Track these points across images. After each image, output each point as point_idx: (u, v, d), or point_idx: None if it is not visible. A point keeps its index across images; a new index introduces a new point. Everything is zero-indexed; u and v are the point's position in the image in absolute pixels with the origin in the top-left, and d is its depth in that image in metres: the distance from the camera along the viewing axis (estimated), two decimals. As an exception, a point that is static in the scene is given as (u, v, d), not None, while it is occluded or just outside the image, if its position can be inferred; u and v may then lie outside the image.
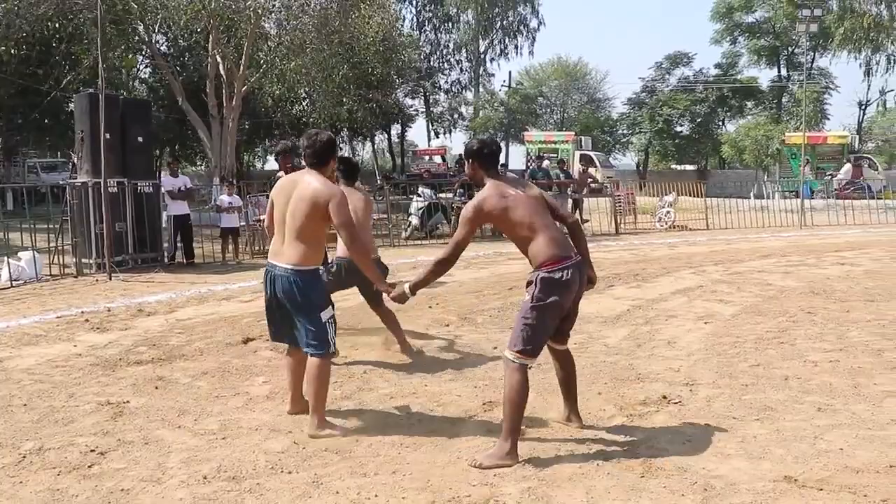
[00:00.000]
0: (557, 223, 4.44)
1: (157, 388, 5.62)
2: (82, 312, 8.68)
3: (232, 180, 16.10)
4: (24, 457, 4.23)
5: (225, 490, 3.75)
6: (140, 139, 13.02)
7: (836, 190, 27.34)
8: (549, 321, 4.18)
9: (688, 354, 6.46)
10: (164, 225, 13.76)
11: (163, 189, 13.49)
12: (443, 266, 4.37)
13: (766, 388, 5.43)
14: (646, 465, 3.97)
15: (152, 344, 7.06)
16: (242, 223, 14.78)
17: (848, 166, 31.38)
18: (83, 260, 12.20)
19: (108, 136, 12.00)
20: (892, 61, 35.71)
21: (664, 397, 5.20)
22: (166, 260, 13.32)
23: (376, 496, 3.65)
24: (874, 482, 3.76)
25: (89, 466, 4.07)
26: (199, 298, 9.77)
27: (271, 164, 55.64)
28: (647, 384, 5.54)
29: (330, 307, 4.66)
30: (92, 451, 4.29)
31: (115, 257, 11.96)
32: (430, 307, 8.74)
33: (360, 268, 4.85)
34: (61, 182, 23.90)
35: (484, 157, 4.38)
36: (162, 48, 29.67)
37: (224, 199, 14.01)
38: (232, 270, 12.73)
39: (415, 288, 4.45)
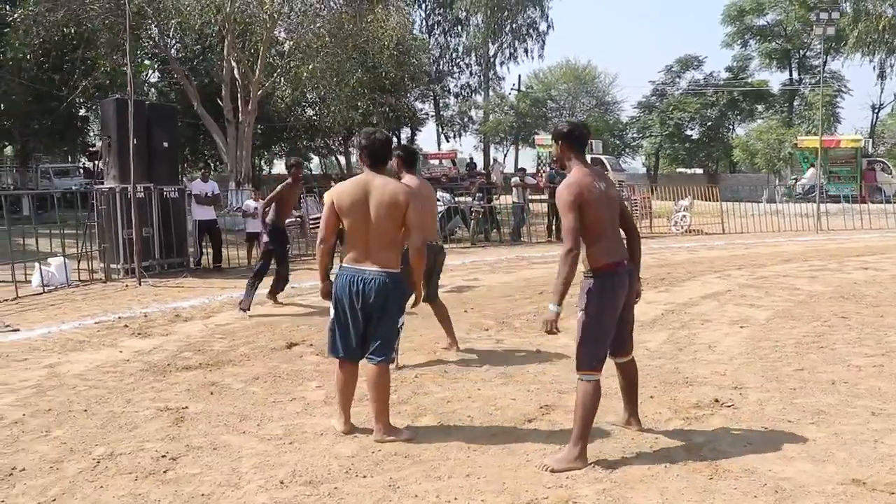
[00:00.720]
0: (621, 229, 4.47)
1: (212, 393, 5.69)
2: (119, 318, 8.77)
3: (258, 186, 16.16)
4: (98, 462, 4.29)
5: (305, 494, 3.80)
6: (165, 144, 13.15)
7: (799, 194, 27.39)
8: (607, 330, 4.25)
9: (730, 358, 6.51)
10: (189, 229, 13.87)
11: (192, 192, 13.59)
12: (573, 258, 4.11)
13: (815, 391, 5.48)
14: (713, 468, 4.03)
15: (197, 349, 7.13)
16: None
17: (812, 171, 31.51)
18: (111, 265, 12.32)
19: (135, 141, 12.10)
20: (906, 63, 35.64)
21: (716, 401, 5.25)
22: (192, 265, 13.41)
23: (455, 499, 3.71)
24: (939, 485, 3.82)
25: (164, 472, 4.14)
26: (232, 303, 9.79)
27: (278, 168, 55.80)
28: (696, 388, 5.59)
29: (405, 314, 4.69)
30: (163, 456, 4.35)
31: (143, 262, 12.07)
32: (465, 311, 8.80)
33: (414, 269, 4.74)
34: (74, 188, 24.13)
35: (573, 140, 4.35)
36: (177, 53, 29.83)
37: (250, 203, 14.09)
38: (259, 275, 12.79)
39: (560, 300, 4.19)
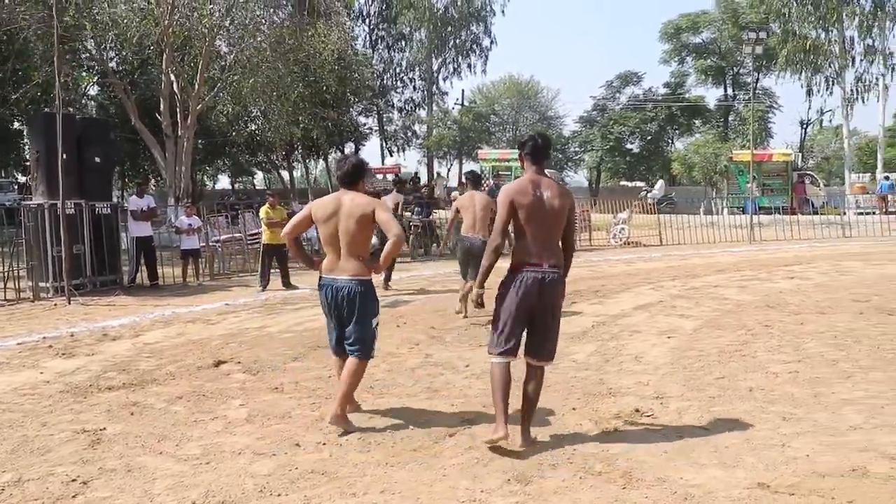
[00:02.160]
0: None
1: (132, 413, 5.58)
2: (44, 338, 8.56)
3: (189, 201, 15.95)
4: (3, 489, 4.16)
5: (216, 513, 3.77)
6: (98, 160, 12.89)
7: (651, 204, 28.21)
8: (511, 321, 4.63)
9: (655, 368, 6.63)
10: (124, 246, 13.63)
11: (129, 209, 13.35)
12: (495, 249, 4.64)
13: (732, 399, 5.61)
14: (627, 477, 4.09)
15: (122, 369, 6.99)
16: (202, 244, 14.68)
17: (661, 183, 32.46)
18: (40, 284, 12.02)
19: (64, 156, 11.84)
20: (830, 82, 36.84)
21: (637, 410, 5.34)
22: (127, 282, 13.16)
23: (368, 515, 3.71)
24: (840, 485, 3.94)
25: (74, 496, 4.03)
26: (164, 321, 9.69)
27: (222, 183, 55.27)
28: (618, 398, 5.68)
29: (378, 316, 5.24)
30: (73, 480, 4.24)
31: (73, 280, 11.80)
32: (397, 326, 8.80)
33: (388, 254, 5.24)
34: (7, 204, 23.49)
35: (526, 150, 4.77)
36: (116, 66, 29.31)
37: (184, 220, 13.90)
38: (194, 292, 12.63)
39: (480, 283, 4.79)
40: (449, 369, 6.71)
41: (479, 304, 4.87)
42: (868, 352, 7.14)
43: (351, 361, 5.09)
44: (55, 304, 11.20)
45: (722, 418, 5.14)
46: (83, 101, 36.13)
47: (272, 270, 12.71)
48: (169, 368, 6.98)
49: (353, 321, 5.06)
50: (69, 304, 11.14)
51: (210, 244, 15.12)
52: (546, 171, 4.82)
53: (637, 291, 11.58)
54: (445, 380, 6.34)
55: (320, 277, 5.19)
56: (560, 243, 4.75)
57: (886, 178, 31.93)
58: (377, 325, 5.21)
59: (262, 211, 12.76)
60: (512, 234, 4.78)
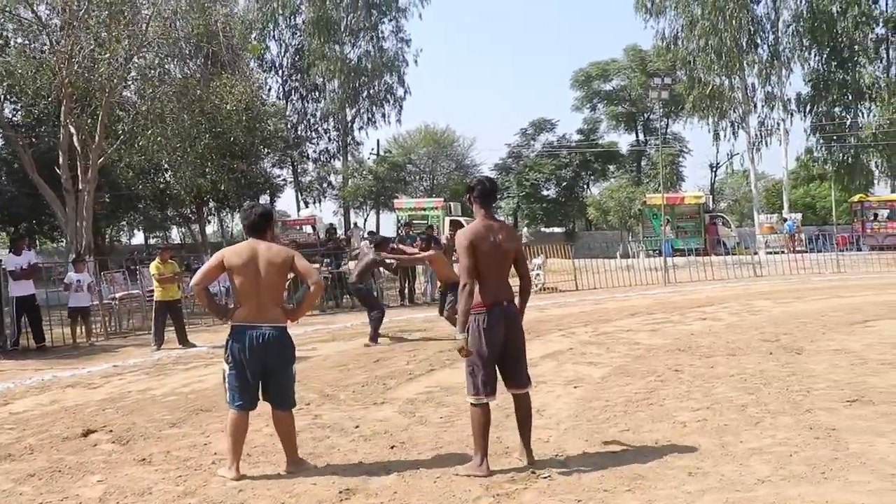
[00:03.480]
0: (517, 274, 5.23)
1: (-32, 499, 4.93)
2: None
3: (83, 257, 15.07)
4: None
5: None
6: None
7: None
8: (484, 361, 4.91)
9: (557, 423, 6.26)
10: (5, 307, 12.69)
11: (5, 268, 12.44)
12: (468, 293, 4.89)
13: (636, 454, 5.27)
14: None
15: (-26, 444, 6.28)
16: (95, 301, 13.83)
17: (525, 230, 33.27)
18: None
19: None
20: (735, 127, 38.11)
21: (533, 472, 4.94)
22: (9, 345, 12.22)
23: None
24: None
25: None
26: (40, 387, 8.94)
27: (138, 238, 53.57)
28: (514, 458, 5.26)
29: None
30: None
31: (-53, 345, 10.92)
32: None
33: (308, 300, 5.60)
34: None
35: (476, 193, 5.10)
36: (15, 118, 28.16)
37: (72, 276, 13.06)
38: (83, 354, 11.85)
39: (462, 328, 4.93)
40: (336, 431, 6.20)
41: (468, 352, 4.94)
42: (777, 394, 6.94)
43: (281, 417, 5.16)
44: (-78, 373, 10.28)
45: (624, 477, 4.78)
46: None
47: (167, 328, 11.99)
48: (30, 441, 6.30)
49: (277, 369, 5.07)
50: (-62, 371, 10.24)
51: (104, 301, 14.26)
52: (462, 218, 4.95)
53: (547, 339, 11.26)
54: (330, 444, 5.84)
55: (235, 327, 5.07)
56: (520, 278, 5.23)
57: (786, 219, 33.05)
58: (295, 372, 5.30)
59: (153, 266, 12.05)
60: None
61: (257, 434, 6.15)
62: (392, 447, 5.69)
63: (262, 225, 5.25)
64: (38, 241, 43.34)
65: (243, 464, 5.25)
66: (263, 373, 5.06)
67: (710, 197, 44.17)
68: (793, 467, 4.85)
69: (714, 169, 50.70)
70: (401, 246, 11.68)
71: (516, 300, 5.16)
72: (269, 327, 5.03)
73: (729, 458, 5.12)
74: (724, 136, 38.81)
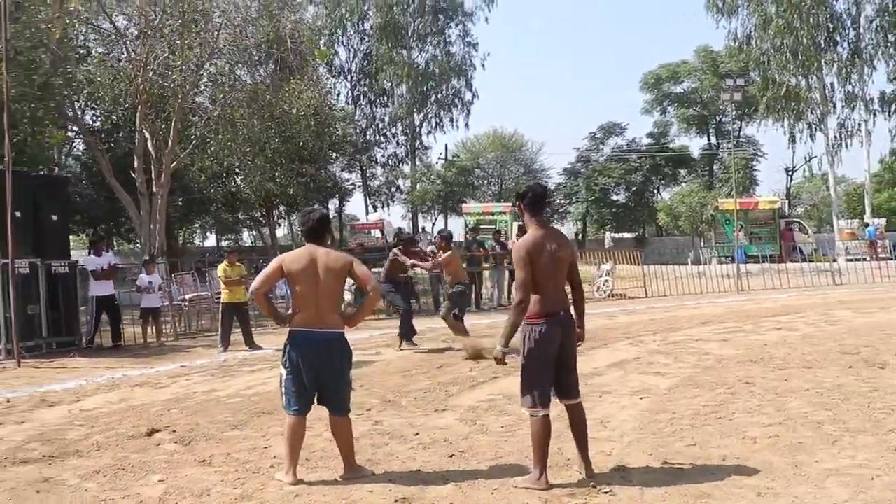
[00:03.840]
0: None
1: (38, 492, 5.05)
2: (-24, 405, 7.98)
3: (153, 259, 15.40)
4: None
5: None
6: (55, 217, 12.45)
7: None
8: (538, 372, 4.85)
9: (621, 435, 6.07)
10: (83, 307, 13.08)
11: (86, 269, 12.83)
12: (521, 309, 4.82)
13: (702, 471, 5.05)
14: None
15: (47, 439, 6.43)
16: (166, 303, 14.11)
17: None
18: (-9, 346, 11.46)
19: (17, 214, 11.39)
20: (813, 129, 36.85)
21: (593, 486, 4.78)
22: (84, 343, 12.58)
23: None
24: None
25: None
26: (110, 385, 9.14)
27: (211, 241, 54.63)
28: (575, 470, 5.10)
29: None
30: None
31: (28, 342, 11.34)
32: (353, 389, 8.21)
33: (368, 305, 5.62)
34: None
35: (526, 201, 4.99)
36: (96, 124, 29.04)
37: (143, 278, 13.35)
38: (153, 354, 12.10)
39: (506, 342, 4.94)
40: (396, 438, 6.12)
41: (503, 361, 5.00)
42: (857, 411, 6.60)
43: (337, 423, 5.15)
44: (3, 368, 10.63)
45: (688, 495, 4.57)
46: (67, 160, 35.92)
47: (234, 330, 12.16)
48: (97, 438, 6.41)
49: (333, 375, 5.07)
50: (19, 366, 10.58)
51: (175, 303, 14.55)
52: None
53: (614, 347, 11.02)
54: (389, 451, 5.76)
55: (293, 332, 5.10)
56: (572, 286, 5.14)
57: (867, 224, 31.86)
58: (352, 378, 5.37)
59: (220, 269, 12.23)
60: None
61: (317, 438, 6.13)
62: (451, 456, 5.59)
63: (320, 230, 5.29)
64: (115, 243, 44.72)
65: (301, 468, 5.22)
66: (319, 378, 5.06)
67: (786, 201, 42.89)
68: (874, 492, 4.55)
69: (790, 173, 49.36)
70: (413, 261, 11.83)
71: (571, 310, 5.07)
72: (326, 333, 5.05)
73: (802, 478, 4.86)
74: (801, 138, 37.63)
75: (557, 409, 5.09)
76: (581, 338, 5.14)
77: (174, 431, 6.57)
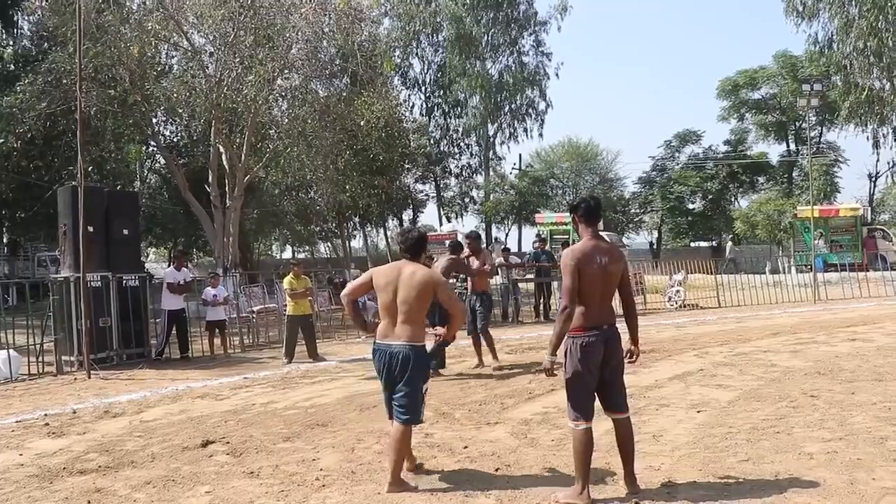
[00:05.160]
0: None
1: (89, 502, 5.19)
2: (45, 415, 8.29)
3: (216, 272, 15.77)
4: None
5: None
6: (126, 231, 12.83)
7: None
8: (581, 385, 4.84)
9: (672, 449, 5.94)
10: (156, 319, 13.46)
11: (165, 281, 13.23)
12: (566, 316, 4.81)
13: (752, 488, 4.92)
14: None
15: (105, 450, 6.62)
16: (233, 314, 14.43)
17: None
18: (64, 357, 11.91)
19: (90, 228, 11.83)
20: (898, 134, 35.53)
21: (636, 503, 4.69)
22: (155, 355, 12.94)
23: None
24: None
25: None
26: (173, 396, 9.36)
27: (287, 253, 55.57)
28: (620, 485, 5.02)
29: (428, 381, 5.49)
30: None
31: (99, 354, 11.69)
32: (423, 403, 8.25)
33: (451, 329, 5.68)
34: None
35: (579, 212, 5.01)
36: (174, 138, 30.02)
37: (209, 291, 13.67)
38: (219, 365, 12.33)
39: (553, 350, 4.91)
40: (444, 451, 6.12)
41: (552, 373, 5.04)
42: (924, 427, 6.32)
43: (396, 428, 5.23)
44: (75, 379, 11.03)
45: (734, 512, 4.46)
46: (147, 175, 37.22)
47: (299, 342, 12.34)
48: (153, 449, 6.58)
49: (403, 384, 5.21)
50: (89, 378, 10.95)
51: (242, 315, 14.87)
52: (604, 233, 4.85)
53: (679, 359, 10.80)
54: (436, 463, 5.76)
55: (375, 343, 5.40)
56: (623, 301, 5.09)
57: None
58: (426, 390, 5.43)
59: (286, 281, 12.42)
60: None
61: (366, 451, 6.19)
62: (497, 469, 5.57)
63: (416, 248, 5.56)
64: (195, 256, 46.02)
65: (347, 480, 5.28)
66: (391, 386, 5.28)
67: (869, 209, 41.34)
68: (929, 511, 4.37)
69: (874, 179, 47.60)
70: (471, 258, 11.28)
71: (619, 323, 5.00)
72: (399, 345, 5.23)
73: (857, 496, 4.68)
74: (885, 143, 36.33)
75: (608, 425, 5.02)
76: (635, 353, 5.11)
77: (228, 443, 6.70)
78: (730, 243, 35.20)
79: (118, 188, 25.10)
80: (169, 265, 15.05)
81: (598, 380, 4.87)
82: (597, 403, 4.95)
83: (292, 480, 5.47)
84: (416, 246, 5.55)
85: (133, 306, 12.59)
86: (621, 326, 4.97)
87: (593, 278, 4.82)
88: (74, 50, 12.72)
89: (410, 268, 5.36)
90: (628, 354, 5.06)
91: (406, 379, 5.21)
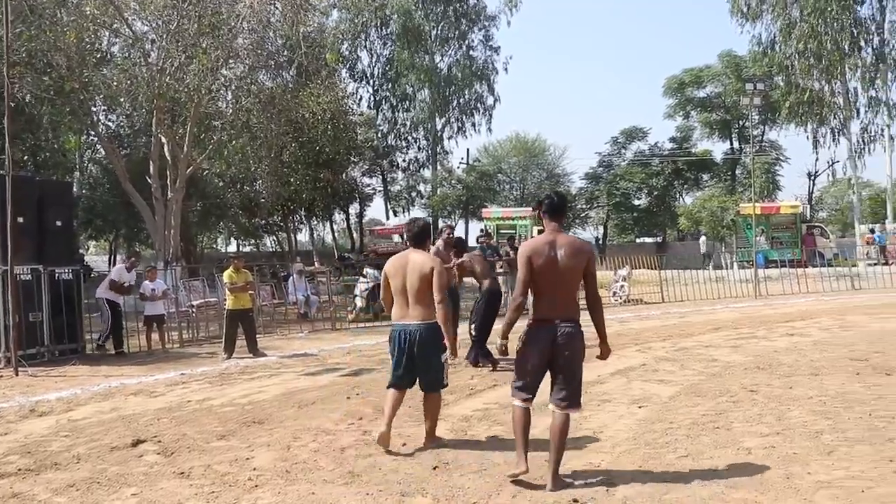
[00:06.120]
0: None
1: (4, 507, 4.95)
2: (-34, 415, 7.94)
3: (154, 266, 15.36)
4: None
5: None
6: (59, 223, 12.39)
7: None
8: (526, 370, 5.03)
9: (613, 446, 5.91)
10: (89, 314, 13.07)
11: (109, 277, 12.97)
12: (516, 306, 5.04)
13: (690, 484, 4.89)
14: None
15: (27, 451, 6.33)
16: (172, 309, 14.09)
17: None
18: (-9, 354, 11.45)
19: (20, 220, 11.37)
20: (836, 133, 36.44)
21: (574, 501, 4.62)
22: (101, 339, 12.64)
23: None
24: None
25: None
26: (105, 394, 9.05)
27: (233, 246, 54.80)
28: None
29: (446, 352, 5.95)
30: None
31: (28, 350, 11.28)
32: (348, 398, 8.13)
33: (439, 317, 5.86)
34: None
35: (545, 208, 5.16)
36: (115, 128, 29.22)
37: (147, 284, 13.30)
38: (156, 361, 11.96)
39: (503, 335, 5.18)
40: (382, 449, 5.99)
41: (504, 351, 5.30)
42: (857, 420, 6.42)
43: (429, 398, 6.00)
44: (1, 377, 10.59)
45: (672, 509, 4.42)
46: (86, 165, 36.22)
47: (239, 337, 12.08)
48: (79, 450, 6.31)
49: (423, 360, 5.82)
50: (16, 375, 10.52)
51: (182, 309, 14.53)
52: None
53: (621, 354, 10.78)
54: (372, 462, 5.63)
55: (393, 324, 5.98)
56: (586, 297, 5.11)
57: (872, 230, 31.57)
58: (446, 359, 5.95)
59: (226, 275, 12.10)
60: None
61: (302, 450, 6.04)
62: (435, 467, 5.46)
63: (421, 236, 6.10)
64: (138, 248, 45.06)
65: (281, 480, 5.13)
66: (411, 361, 5.84)
67: (808, 206, 42.33)
68: (863, 505, 4.39)
69: (813, 177, 48.76)
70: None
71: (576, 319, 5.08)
72: (414, 324, 5.82)
73: (792, 491, 4.70)
74: (824, 143, 37.23)
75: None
76: (604, 352, 5.29)
77: (159, 442, 6.46)
78: (703, 237, 35.51)
79: (54, 178, 24.34)
80: (110, 259, 14.65)
81: (544, 368, 5.03)
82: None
83: (224, 481, 5.29)
84: (419, 235, 6.06)
85: (66, 300, 12.16)
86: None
87: (544, 270, 4.92)
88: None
89: (415, 255, 5.92)
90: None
91: (425, 354, 5.80)
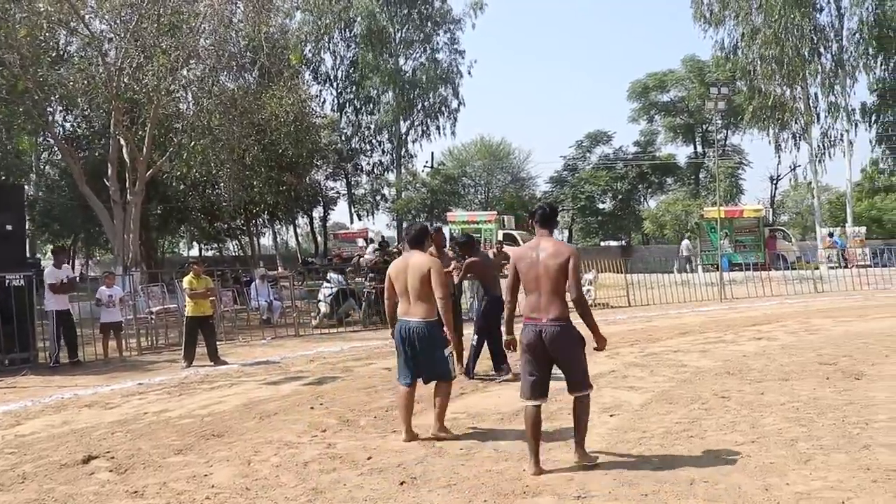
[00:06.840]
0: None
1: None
2: None
3: (112, 271, 14.94)
4: None
5: None
6: (9, 227, 11.92)
7: None
8: (528, 367, 5.38)
9: (585, 456, 5.73)
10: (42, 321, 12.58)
11: (46, 281, 12.32)
12: (509, 307, 5.60)
13: (668, 497, 4.72)
14: None
15: (-32, 470, 6.00)
16: (129, 315, 13.68)
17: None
18: (-65, 365, 10.99)
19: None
20: (797, 138, 36.89)
21: (547, 517, 4.45)
22: (51, 363, 12.00)
23: None
24: None
25: None
26: (57, 406, 8.68)
27: (195, 250, 53.94)
28: (531, 499, 4.78)
29: (449, 346, 6.32)
30: None
31: (-25, 360, 10.81)
32: (311, 408, 7.86)
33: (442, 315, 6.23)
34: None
35: (536, 218, 5.53)
36: (73, 129, 28.57)
37: (103, 290, 12.88)
38: (113, 370, 11.57)
39: (507, 331, 5.68)
40: (347, 463, 5.74)
41: (513, 344, 5.69)
42: (831, 427, 6.31)
43: (437, 387, 6.32)
44: (-54, 388, 10.16)
45: (649, 525, 4.24)
46: (42, 167, 35.38)
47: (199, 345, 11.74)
48: (25, 468, 5.99)
49: (426, 354, 6.17)
50: (-37, 386, 10.11)
51: (141, 316, 14.12)
52: (515, 232, 5.01)
53: (589, 359, 10.62)
54: (336, 477, 5.38)
55: (398, 320, 6.31)
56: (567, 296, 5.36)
57: (830, 234, 32.03)
58: (449, 353, 6.30)
59: (186, 281, 11.73)
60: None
61: (263, 465, 5.79)
62: (402, 483, 5.23)
63: (419, 239, 6.44)
64: (96, 253, 44.11)
65: (240, 499, 4.86)
66: (415, 356, 6.18)
67: (770, 210, 42.82)
68: (845, 518, 4.25)
69: (775, 181, 49.35)
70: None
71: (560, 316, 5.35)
72: (416, 321, 6.16)
73: (772, 503, 4.54)
74: (786, 147, 37.66)
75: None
76: (599, 345, 5.74)
77: (112, 458, 6.16)
78: (685, 241, 35.55)
79: (6, 181, 23.66)
80: (71, 263, 14.15)
81: (545, 365, 5.39)
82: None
83: (180, 500, 5.02)
84: (417, 237, 6.40)
85: (17, 307, 11.68)
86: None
87: (527, 271, 5.32)
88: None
89: (414, 257, 6.27)
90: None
91: (427, 349, 6.15)
